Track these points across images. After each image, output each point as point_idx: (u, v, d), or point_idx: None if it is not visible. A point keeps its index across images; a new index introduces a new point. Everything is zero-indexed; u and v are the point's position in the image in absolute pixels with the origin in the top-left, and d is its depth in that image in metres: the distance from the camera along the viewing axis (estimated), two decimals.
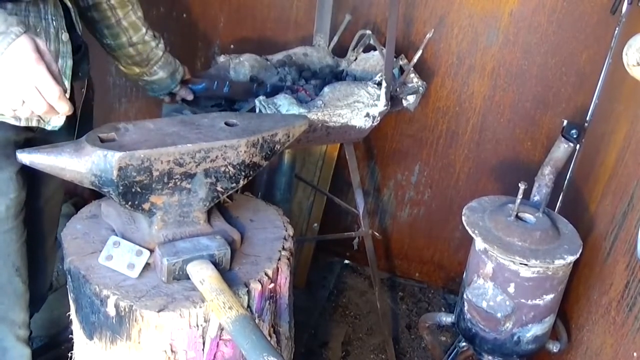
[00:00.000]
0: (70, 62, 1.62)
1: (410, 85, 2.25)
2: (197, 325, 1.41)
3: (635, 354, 1.49)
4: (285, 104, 2.00)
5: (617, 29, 2.23)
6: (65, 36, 1.60)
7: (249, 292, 1.46)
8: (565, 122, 2.13)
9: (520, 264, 1.82)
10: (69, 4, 1.64)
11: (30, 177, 1.73)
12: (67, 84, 1.59)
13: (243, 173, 1.54)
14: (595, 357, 1.80)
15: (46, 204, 1.94)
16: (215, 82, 2.14)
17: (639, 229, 1.49)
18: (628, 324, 1.59)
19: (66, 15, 1.62)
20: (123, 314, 1.39)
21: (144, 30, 1.95)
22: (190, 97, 2.12)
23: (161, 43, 2.02)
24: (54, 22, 1.58)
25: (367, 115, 2.10)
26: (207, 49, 2.81)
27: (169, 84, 2.09)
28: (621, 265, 1.74)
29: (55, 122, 1.62)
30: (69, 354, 1.63)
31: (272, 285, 1.53)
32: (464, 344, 2.16)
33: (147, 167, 1.39)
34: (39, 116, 1.43)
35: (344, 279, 3.10)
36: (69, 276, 1.50)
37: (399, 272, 3.14)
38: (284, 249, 1.61)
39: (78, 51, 1.71)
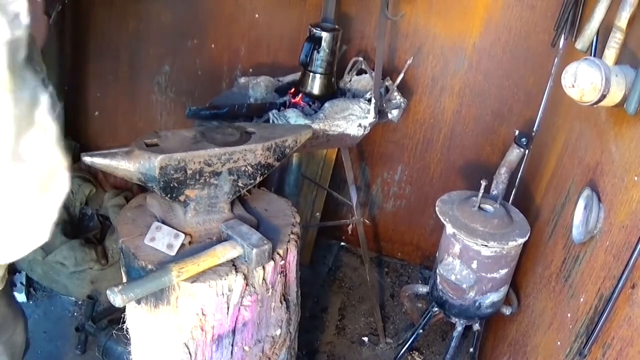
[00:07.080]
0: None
1: (394, 101, 2.25)
2: (223, 294, 1.43)
3: (569, 314, 1.50)
4: (293, 116, 2.00)
5: (556, 58, 2.23)
6: None
7: (264, 267, 1.47)
8: (517, 131, 2.12)
9: (482, 245, 1.82)
10: None
11: None
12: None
13: (259, 172, 1.54)
14: (539, 318, 1.80)
15: None
16: (236, 106, 2.12)
17: (573, 217, 1.50)
18: (564, 292, 1.60)
19: None
20: None
21: None
22: None
23: None
24: None
25: (360, 125, 2.09)
26: (231, 72, 2.81)
27: None
28: (560, 245, 1.75)
29: None
30: (122, 315, 1.65)
31: (282, 262, 1.54)
32: (436, 309, 2.16)
33: (183, 167, 1.40)
34: None
35: (340, 258, 3.09)
36: (121, 253, 1.52)
37: (384, 252, 3.13)
38: (292, 233, 1.62)
39: None
